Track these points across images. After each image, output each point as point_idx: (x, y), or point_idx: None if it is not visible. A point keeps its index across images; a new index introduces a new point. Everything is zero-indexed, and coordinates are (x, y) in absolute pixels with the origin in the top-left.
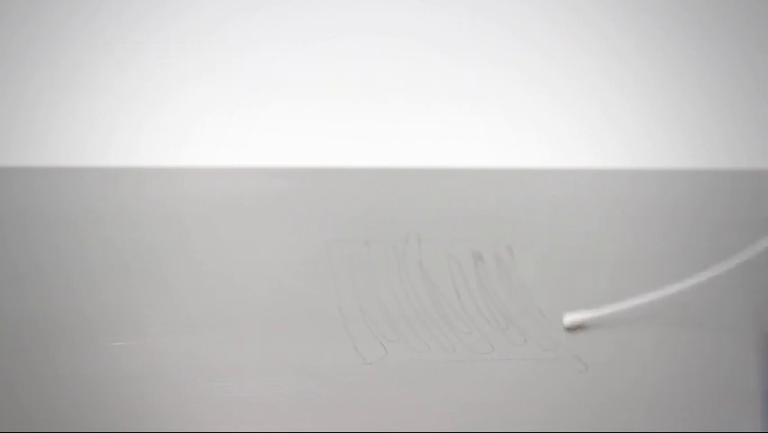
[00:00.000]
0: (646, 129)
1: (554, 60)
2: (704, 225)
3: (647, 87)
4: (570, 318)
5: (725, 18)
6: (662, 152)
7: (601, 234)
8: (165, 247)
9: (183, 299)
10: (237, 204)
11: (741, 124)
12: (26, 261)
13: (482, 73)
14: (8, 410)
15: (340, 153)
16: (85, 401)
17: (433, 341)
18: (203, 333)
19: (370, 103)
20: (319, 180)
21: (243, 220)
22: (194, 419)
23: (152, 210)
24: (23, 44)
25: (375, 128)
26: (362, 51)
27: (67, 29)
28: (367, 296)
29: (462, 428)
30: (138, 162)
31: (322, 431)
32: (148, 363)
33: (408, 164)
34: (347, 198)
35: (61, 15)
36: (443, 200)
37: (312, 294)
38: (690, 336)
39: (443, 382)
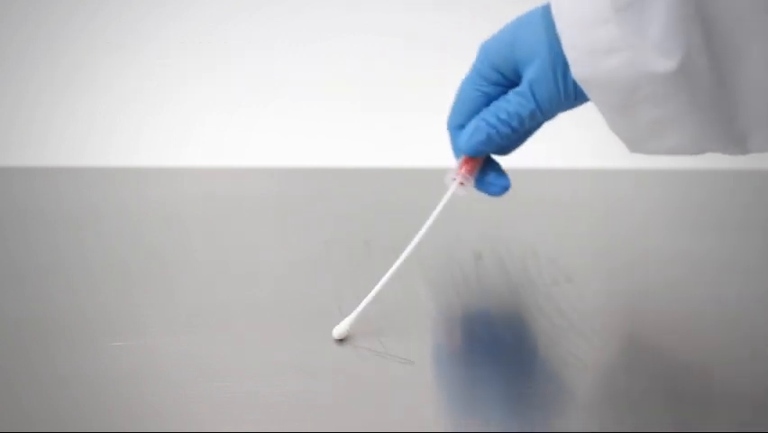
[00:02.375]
0: None
1: None
2: (704, 225)
3: None
4: (337, 331)
5: None
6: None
7: (601, 234)
8: (165, 247)
9: (183, 299)
10: (237, 204)
11: None
12: (26, 261)
13: None
14: (8, 411)
15: (340, 153)
16: (85, 401)
17: (433, 341)
18: (203, 333)
19: (370, 103)
20: (319, 180)
21: (243, 220)
22: (194, 419)
23: (152, 210)
24: (23, 45)
25: (375, 128)
26: (362, 51)
27: (67, 29)
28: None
29: (462, 427)
30: (138, 162)
31: (322, 431)
32: (148, 363)
33: (408, 164)
34: (347, 198)
35: (61, 16)
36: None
37: (312, 294)
38: None
39: (443, 381)
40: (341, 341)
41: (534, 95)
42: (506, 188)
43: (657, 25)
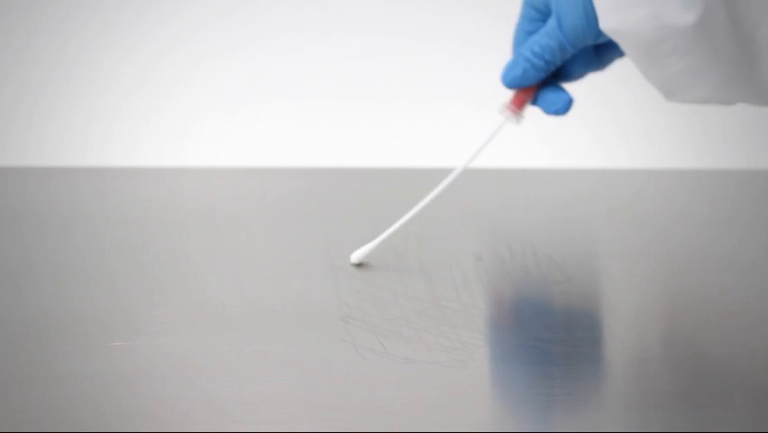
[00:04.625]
0: (648, 130)
1: None
2: (704, 225)
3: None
4: (355, 255)
5: None
6: (663, 153)
7: (602, 233)
8: (164, 247)
9: (182, 298)
10: (237, 204)
11: (741, 124)
12: (24, 261)
13: (483, 73)
14: (3, 411)
15: (340, 153)
16: (82, 402)
17: (433, 341)
18: (202, 333)
19: (371, 103)
20: (319, 180)
21: (243, 220)
22: (193, 419)
23: (151, 210)
24: (22, 45)
25: (375, 128)
26: (363, 51)
27: (66, 29)
28: (367, 296)
29: (462, 427)
30: (137, 162)
31: (322, 431)
32: (146, 363)
33: (408, 164)
34: (347, 198)
35: (61, 16)
36: (444, 200)
37: (312, 294)
38: None
39: (444, 381)
40: (358, 265)
41: (560, 26)
42: (568, 104)
43: None
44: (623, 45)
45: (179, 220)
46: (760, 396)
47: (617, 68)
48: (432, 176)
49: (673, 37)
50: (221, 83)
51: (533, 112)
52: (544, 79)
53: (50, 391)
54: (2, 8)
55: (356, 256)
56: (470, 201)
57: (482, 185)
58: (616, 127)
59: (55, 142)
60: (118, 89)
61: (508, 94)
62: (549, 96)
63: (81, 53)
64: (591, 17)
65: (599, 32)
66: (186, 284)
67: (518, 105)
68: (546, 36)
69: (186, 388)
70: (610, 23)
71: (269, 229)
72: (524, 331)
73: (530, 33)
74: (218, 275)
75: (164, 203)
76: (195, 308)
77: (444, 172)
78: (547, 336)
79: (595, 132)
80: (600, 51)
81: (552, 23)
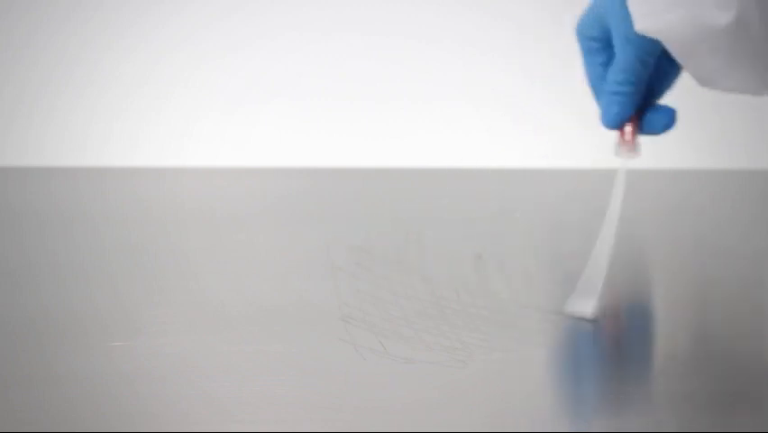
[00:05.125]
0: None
1: (556, 60)
2: (704, 225)
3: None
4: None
5: None
6: (663, 153)
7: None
8: (163, 248)
9: (182, 298)
10: (237, 204)
11: (741, 124)
12: (23, 261)
13: (483, 73)
14: (2, 411)
15: (340, 153)
16: (82, 402)
17: (433, 341)
18: (202, 333)
19: (371, 103)
20: (319, 180)
21: (243, 220)
22: (193, 420)
23: (151, 210)
24: (21, 45)
25: (375, 128)
26: (363, 50)
27: (66, 29)
28: (367, 296)
29: (463, 427)
30: (137, 162)
31: (322, 431)
32: (146, 364)
33: (408, 164)
34: (347, 198)
35: (61, 16)
36: (443, 200)
37: (312, 294)
38: None
39: (444, 381)
40: (591, 320)
41: (628, 40)
42: (672, 115)
43: None
44: (666, 45)
45: (179, 220)
46: None
47: None
48: (432, 176)
49: (710, 37)
50: (221, 83)
51: (533, 112)
52: (640, 104)
53: (50, 391)
54: (2, 8)
55: (590, 311)
56: (470, 201)
57: (482, 185)
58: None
59: (55, 142)
60: (118, 89)
61: (614, 135)
62: (654, 117)
63: (81, 53)
64: None
65: None
66: (186, 284)
67: (629, 139)
68: (623, 58)
69: (186, 388)
70: (645, 26)
71: (269, 229)
72: (524, 331)
73: (603, 64)
74: (218, 275)
75: (164, 203)
76: (195, 308)
77: (445, 172)
78: (552, 335)
79: (595, 132)
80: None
81: (619, 43)
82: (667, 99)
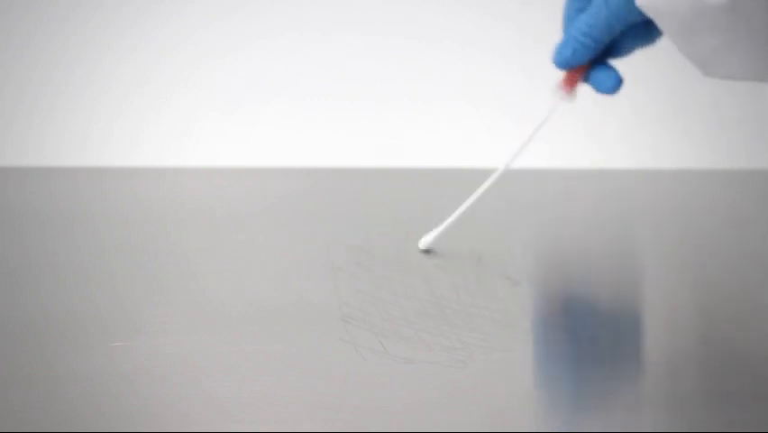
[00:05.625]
0: (647, 129)
1: None
2: (704, 225)
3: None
4: (423, 241)
5: None
6: (663, 153)
7: (601, 233)
8: (163, 248)
9: (182, 299)
10: (237, 204)
11: (741, 124)
12: (23, 261)
13: (483, 73)
14: (3, 411)
15: (340, 153)
16: (82, 402)
17: (433, 341)
18: (202, 333)
19: (371, 102)
20: (319, 180)
21: (243, 220)
22: (193, 419)
23: (151, 210)
24: (20, 44)
25: (375, 128)
26: (363, 50)
27: (66, 29)
28: (367, 296)
29: (462, 427)
30: (137, 162)
31: (322, 431)
32: (147, 364)
33: (408, 164)
34: (347, 198)
35: (61, 16)
36: (443, 200)
37: (312, 294)
38: None
39: (444, 381)
40: (426, 251)
41: (606, 3)
42: (617, 83)
43: None
44: (658, 21)
45: (179, 220)
46: None
47: (618, 68)
48: (432, 176)
49: (707, 15)
50: (221, 83)
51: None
52: (593, 59)
53: (50, 391)
54: (2, 8)
55: (424, 242)
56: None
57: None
58: (615, 127)
59: (55, 142)
60: (118, 89)
61: (560, 74)
62: (599, 75)
63: (81, 53)
64: None
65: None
66: (186, 284)
67: (571, 84)
68: (594, 15)
69: (186, 388)
70: (645, 1)
71: (269, 229)
72: (524, 331)
73: (579, 10)
74: (218, 275)
75: (164, 203)
76: (195, 308)
77: (445, 172)
78: (558, 335)
79: (595, 132)
80: (650, 26)
81: (597, 1)
82: (667, 96)
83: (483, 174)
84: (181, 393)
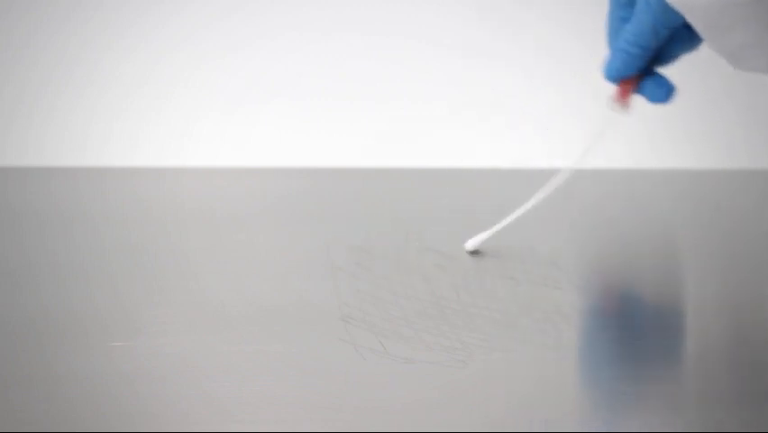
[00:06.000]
0: (647, 129)
1: (556, 61)
2: (704, 225)
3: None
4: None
5: None
6: (663, 152)
7: (601, 233)
8: (163, 248)
9: (183, 299)
10: (237, 204)
11: (742, 124)
12: (23, 261)
13: (483, 73)
14: (3, 411)
15: (340, 153)
16: (85, 401)
17: (433, 341)
18: (202, 333)
19: (371, 102)
20: (319, 180)
21: (243, 220)
22: (193, 419)
23: (151, 210)
24: (20, 44)
25: (375, 128)
26: (362, 51)
27: (66, 29)
28: (367, 296)
29: (462, 427)
30: (137, 162)
31: (322, 431)
32: (147, 364)
33: (408, 164)
34: (347, 197)
35: (61, 16)
36: (443, 200)
37: (312, 294)
38: None
39: (444, 381)
40: (473, 252)
41: (648, 7)
42: (670, 93)
43: None
44: (688, 17)
45: (179, 220)
46: None
47: None
48: (432, 176)
49: (734, 9)
50: (221, 83)
51: (533, 112)
52: (643, 68)
53: (50, 391)
54: (2, 8)
55: (471, 244)
56: (470, 201)
57: (482, 185)
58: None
59: (55, 142)
60: (118, 89)
61: (611, 88)
62: (651, 85)
63: (81, 53)
64: None
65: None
66: (186, 284)
67: (624, 96)
68: (638, 23)
69: (186, 388)
70: None
71: (269, 229)
72: (523, 332)
73: (623, 20)
74: (218, 275)
75: (164, 203)
76: (195, 308)
77: (445, 172)
78: (547, 340)
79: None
80: (692, 29)
81: (640, 5)
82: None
83: (484, 174)
84: (181, 393)
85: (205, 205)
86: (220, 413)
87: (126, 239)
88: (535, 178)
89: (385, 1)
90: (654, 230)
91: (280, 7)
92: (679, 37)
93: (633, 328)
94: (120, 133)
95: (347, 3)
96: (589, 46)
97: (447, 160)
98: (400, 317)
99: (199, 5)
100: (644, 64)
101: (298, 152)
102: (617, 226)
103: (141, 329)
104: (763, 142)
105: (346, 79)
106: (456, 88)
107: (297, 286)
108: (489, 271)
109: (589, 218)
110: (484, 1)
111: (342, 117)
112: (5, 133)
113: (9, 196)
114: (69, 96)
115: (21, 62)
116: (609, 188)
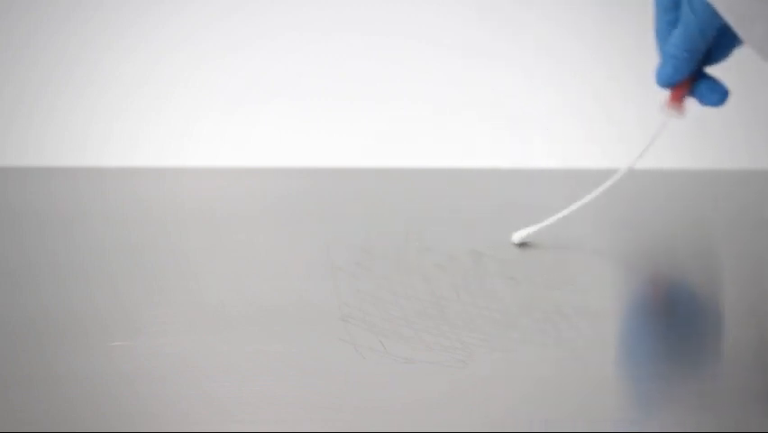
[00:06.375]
0: (647, 129)
1: (556, 61)
2: (704, 225)
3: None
4: (518, 235)
5: None
6: (663, 152)
7: (603, 234)
8: (163, 248)
9: (183, 299)
10: (237, 204)
11: (742, 124)
12: (23, 261)
13: (483, 73)
14: (8, 411)
15: (340, 153)
16: (85, 401)
17: (433, 341)
18: (202, 333)
19: (371, 102)
20: (319, 180)
21: (243, 220)
22: (193, 419)
23: (152, 210)
24: (22, 45)
25: (375, 128)
26: (362, 51)
27: (66, 29)
28: (367, 296)
29: (462, 427)
30: (137, 162)
31: (322, 431)
32: (147, 364)
33: (408, 164)
34: (347, 197)
35: (61, 16)
36: (443, 200)
37: (312, 294)
38: None
39: (444, 381)
40: (521, 245)
41: (692, 9)
42: (723, 96)
43: None
44: (720, 10)
45: (179, 220)
46: None
47: (618, 68)
48: (432, 176)
49: (755, 2)
50: (221, 83)
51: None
52: (695, 70)
53: (50, 391)
54: (2, 8)
55: (518, 237)
56: (470, 201)
57: (482, 185)
58: (615, 127)
59: (55, 142)
60: (118, 89)
61: (665, 93)
62: (705, 89)
63: (81, 53)
64: None
65: None
66: (186, 284)
67: (677, 100)
68: (685, 27)
69: (186, 388)
70: None
71: (269, 229)
72: (524, 332)
73: (670, 23)
74: (218, 275)
75: (164, 203)
76: (195, 308)
77: (445, 172)
78: (547, 340)
79: (594, 132)
80: None
81: (684, 8)
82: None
83: (484, 174)
84: (181, 393)
85: (205, 205)
86: (220, 413)
87: (126, 239)
88: (536, 178)
89: (385, 1)
90: (654, 230)
91: (280, 7)
92: (727, 35)
93: (633, 328)
94: (120, 133)
95: (347, 3)
96: (590, 46)
97: (447, 160)
98: (400, 317)
99: (199, 5)
100: (695, 67)
101: (298, 152)
102: (615, 226)
103: (141, 329)
104: (763, 142)
105: (346, 79)
106: (456, 88)
107: (297, 286)
108: (489, 272)
109: (590, 218)
110: (484, 1)
111: (342, 117)
112: (5, 133)
113: (9, 196)
114: (69, 96)
115: (21, 62)
116: (610, 188)
